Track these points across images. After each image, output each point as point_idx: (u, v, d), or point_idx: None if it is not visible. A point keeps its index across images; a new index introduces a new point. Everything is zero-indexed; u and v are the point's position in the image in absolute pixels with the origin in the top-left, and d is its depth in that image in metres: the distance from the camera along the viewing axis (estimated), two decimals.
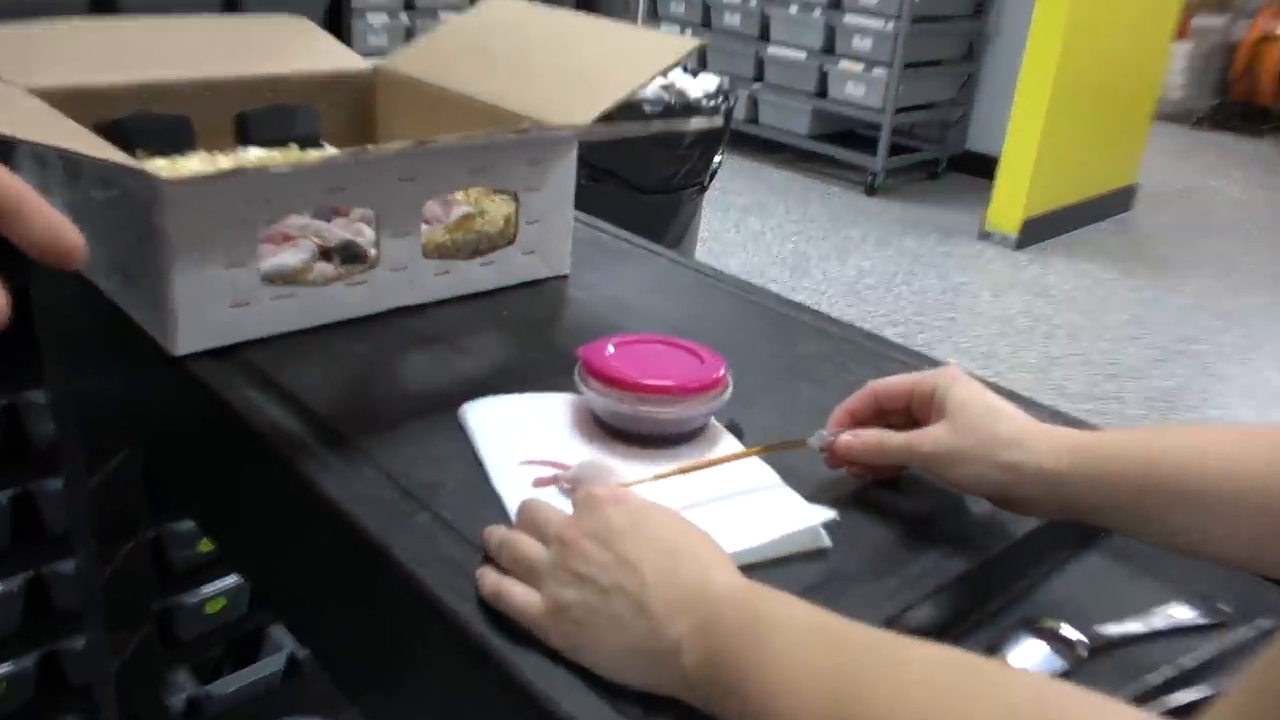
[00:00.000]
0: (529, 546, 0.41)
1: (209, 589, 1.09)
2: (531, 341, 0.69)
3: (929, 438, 0.46)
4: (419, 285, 0.70)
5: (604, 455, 0.51)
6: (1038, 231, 3.20)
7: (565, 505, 0.44)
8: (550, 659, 0.38)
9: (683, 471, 0.49)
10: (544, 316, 0.73)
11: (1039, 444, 0.43)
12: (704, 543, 0.39)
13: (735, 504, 0.48)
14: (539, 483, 0.49)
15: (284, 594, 0.59)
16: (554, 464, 0.50)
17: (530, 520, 0.42)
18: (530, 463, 0.50)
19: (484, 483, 0.50)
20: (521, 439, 0.52)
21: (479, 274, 0.74)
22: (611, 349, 0.55)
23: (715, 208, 3.24)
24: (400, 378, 0.62)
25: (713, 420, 0.55)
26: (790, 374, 0.65)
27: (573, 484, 0.48)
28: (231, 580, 1.11)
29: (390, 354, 0.65)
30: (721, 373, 0.54)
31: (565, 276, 0.79)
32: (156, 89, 0.70)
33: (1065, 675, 0.41)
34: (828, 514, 0.46)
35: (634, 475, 0.48)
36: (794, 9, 3.58)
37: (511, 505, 0.46)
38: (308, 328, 0.66)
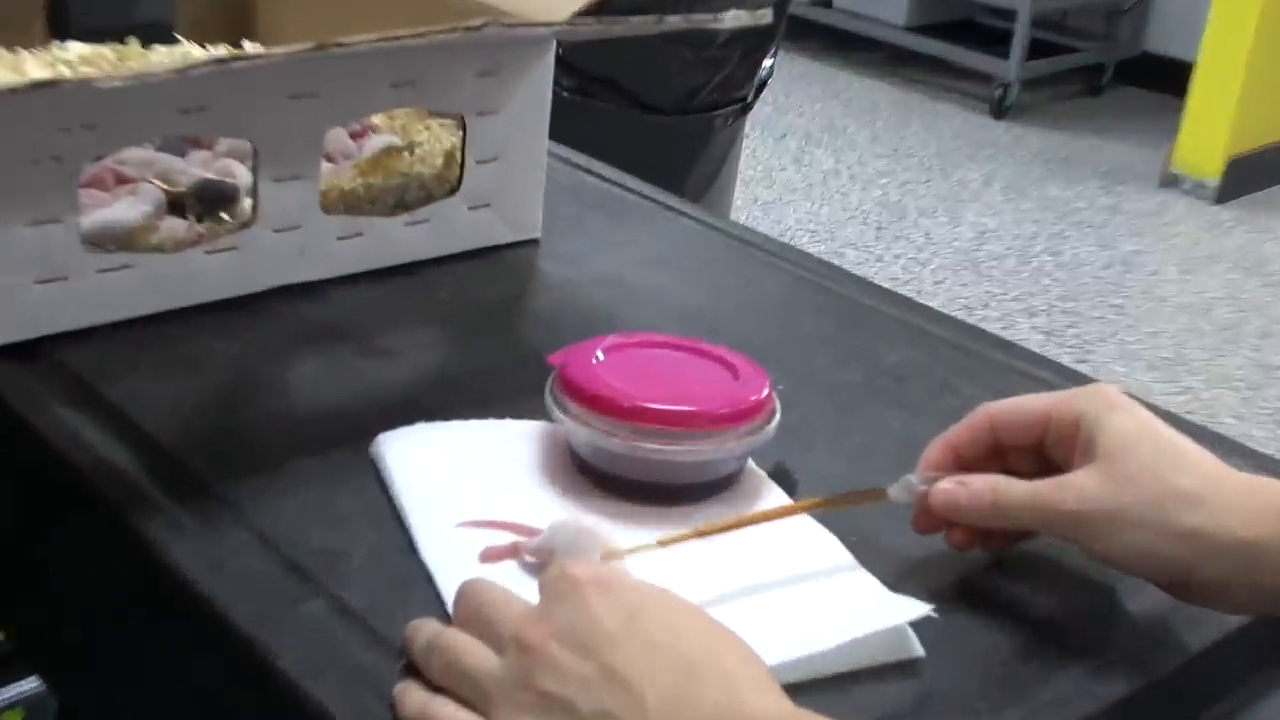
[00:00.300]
0: (472, 652, 0.41)
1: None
2: (483, 341, 0.70)
3: (1071, 490, 0.47)
4: (316, 254, 0.71)
5: (587, 514, 0.52)
6: (1248, 176, 3.18)
7: (529, 589, 0.44)
8: None
9: (702, 535, 0.49)
10: (501, 304, 0.74)
11: (1232, 502, 0.44)
12: (733, 649, 0.39)
13: (781, 590, 0.49)
14: (489, 555, 0.50)
15: (108, 710, 0.60)
16: (511, 526, 0.51)
17: (476, 612, 0.43)
18: (477, 524, 0.51)
19: (407, 553, 0.50)
20: (464, 489, 0.53)
21: (406, 238, 0.74)
22: (600, 355, 0.56)
23: (765, 135, 3.26)
24: (286, 394, 0.63)
25: (750, 463, 0.56)
26: (867, 394, 0.66)
27: (539, 556, 0.49)
28: (32, 685, 1.12)
29: (271, 358, 0.65)
30: (765, 392, 0.55)
31: (534, 242, 0.79)
32: None
33: None
34: (918, 608, 0.47)
35: (631, 543, 0.49)
36: None
37: (448, 588, 0.47)
38: (149, 315, 0.66)
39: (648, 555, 0.48)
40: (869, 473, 0.56)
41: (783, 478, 0.56)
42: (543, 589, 0.41)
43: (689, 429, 0.53)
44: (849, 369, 0.68)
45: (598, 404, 0.53)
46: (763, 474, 0.57)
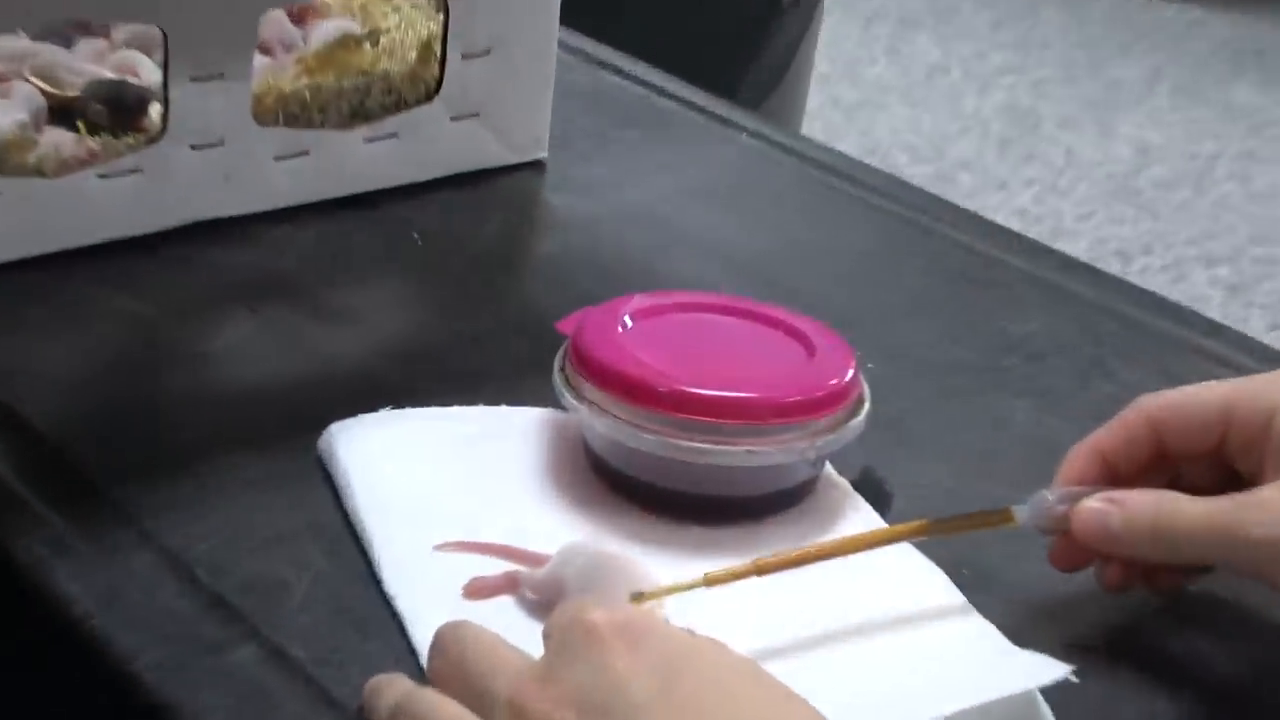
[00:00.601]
0: (452, 718, 0.41)
1: None
2: (470, 300, 0.70)
3: (1261, 511, 0.47)
4: (247, 180, 0.72)
5: (608, 536, 0.53)
6: None
7: (529, 636, 0.44)
8: None
9: (763, 572, 0.49)
10: (495, 249, 0.74)
11: None
12: None
13: (870, 644, 0.49)
14: (477, 589, 0.50)
15: None
16: (507, 551, 0.51)
17: (459, 666, 0.43)
18: (460, 547, 0.52)
19: (367, 584, 0.51)
20: (444, 499, 0.54)
21: (366, 159, 0.75)
22: (628, 321, 0.56)
23: (848, 17, 3.23)
24: (207, 369, 0.63)
25: (829, 470, 0.57)
26: (986, 378, 0.66)
27: (544, 593, 0.49)
28: None
29: (187, 320, 0.65)
30: (849, 374, 0.55)
31: (540, 165, 0.80)
32: None
33: None
34: (1053, 669, 0.46)
35: (668, 578, 0.49)
36: None
37: (421, 632, 0.47)
38: (24, 260, 0.66)
39: (690, 596, 0.48)
40: (989, 485, 0.55)
41: (872, 489, 0.57)
42: (549, 638, 0.41)
43: (747, 423, 0.53)
44: (962, 343, 0.68)
45: (623, 387, 0.53)
46: (845, 485, 0.57)
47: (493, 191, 0.78)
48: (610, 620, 0.40)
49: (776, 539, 0.53)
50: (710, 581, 0.48)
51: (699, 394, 0.53)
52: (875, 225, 0.79)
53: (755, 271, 0.72)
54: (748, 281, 0.66)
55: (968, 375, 0.66)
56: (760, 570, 0.49)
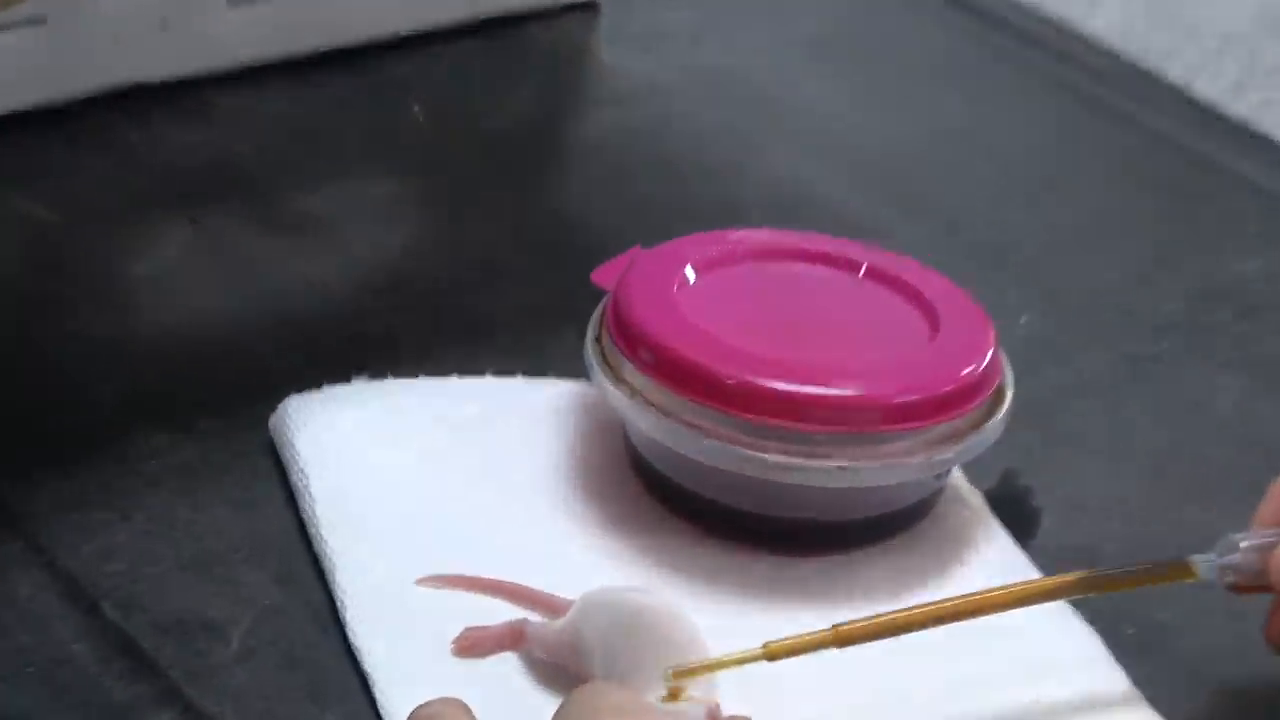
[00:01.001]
0: None
1: None
2: (484, 208, 0.69)
3: None
4: (191, 28, 0.71)
5: (650, 567, 0.53)
6: None
7: (533, 714, 0.44)
8: None
9: (845, 643, 0.48)
10: (524, 129, 0.74)
11: None
12: None
13: None
14: (470, 643, 0.50)
15: None
16: (513, 591, 0.52)
17: None
18: (449, 582, 0.52)
19: (325, 630, 0.51)
20: (431, 512, 0.55)
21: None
22: (690, 275, 0.56)
23: None
24: (127, 306, 0.63)
25: (956, 475, 0.57)
26: (1178, 339, 0.66)
27: (557, 654, 0.49)
28: None
29: (103, 231, 0.66)
30: (985, 358, 0.55)
31: (591, 6, 0.79)
32: None
33: None
34: None
35: (726, 631, 0.49)
36: None
37: (394, 706, 0.48)
38: None
39: (752, 668, 0.48)
40: (1175, 499, 0.56)
41: (1013, 503, 0.57)
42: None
43: (844, 430, 0.53)
44: (1153, 286, 0.68)
45: (678, 373, 0.53)
46: (976, 500, 0.57)
47: (523, 45, 0.77)
48: (638, 710, 0.41)
49: (876, 577, 0.54)
50: (772, 655, 0.48)
51: (780, 390, 0.53)
52: (1052, 107, 0.78)
53: (881, 172, 0.71)
54: (869, 187, 0.66)
55: (1157, 335, 0.66)
56: (842, 641, 0.48)
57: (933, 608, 0.50)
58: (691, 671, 0.47)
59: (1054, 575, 0.52)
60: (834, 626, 0.48)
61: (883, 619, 0.49)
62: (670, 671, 0.46)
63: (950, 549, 0.56)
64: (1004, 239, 0.63)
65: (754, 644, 0.47)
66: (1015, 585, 0.52)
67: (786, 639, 0.48)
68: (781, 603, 0.52)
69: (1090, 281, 0.67)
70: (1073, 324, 0.64)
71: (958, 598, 0.51)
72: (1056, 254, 0.68)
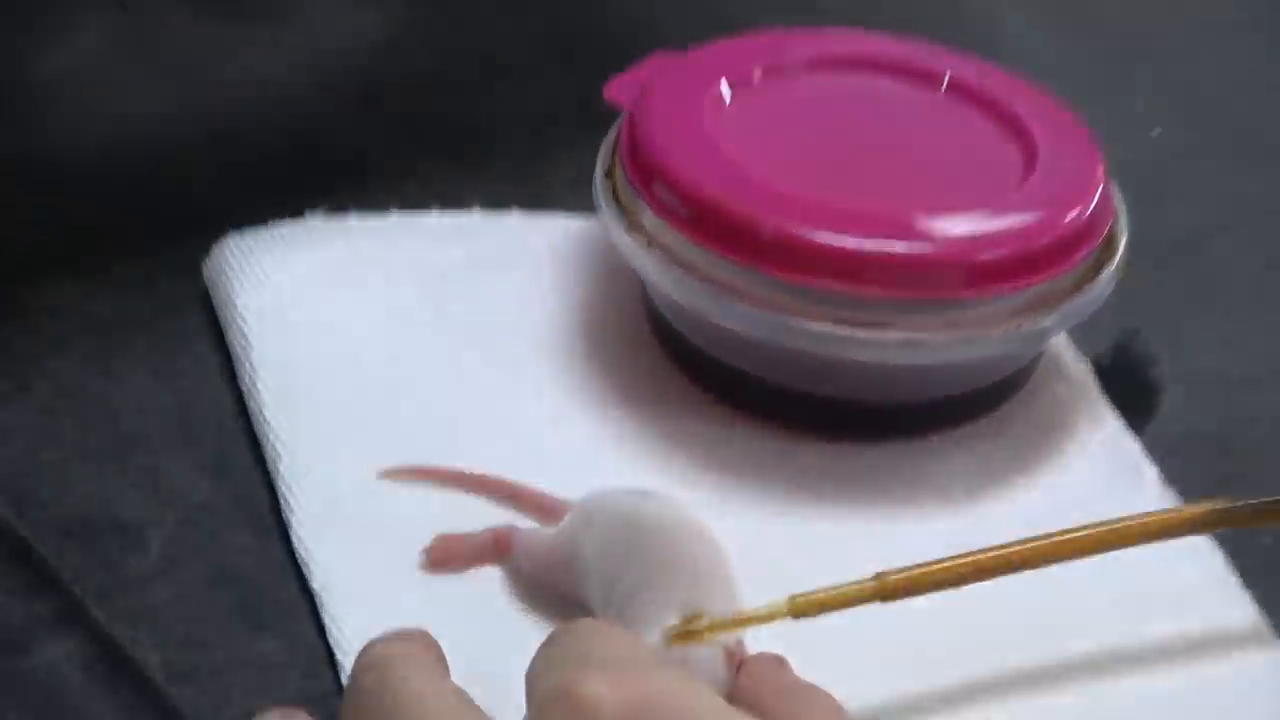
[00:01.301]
0: None
1: None
2: (477, 8, 0.65)
3: None
4: None
5: (673, 456, 0.52)
6: None
7: (520, 639, 0.41)
8: None
9: (889, 596, 0.45)
10: None
11: None
12: None
13: (1103, 685, 0.47)
14: (442, 555, 0.49)
15: None
16: (498, 486, 0.50)
17: (386, 715, 0.39)
18: (419, 474, 0.51)
19: (266, 532, 0.49)
20: (400, 384, 0.54)
21: None
22: (725, 92, 0.54)
23: None
24: (28, 113, 0.61)
25: (1057, 341, 0.55)
26: None
27: (546, 570, 0.48)
28: None
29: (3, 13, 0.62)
30: (1092, 202, 0.52)
31: None
32: None
33: None
34: None
35: (761, 547, 0.47)
36: None
37: (344, 634, 0.46)
38: None
39: (780, 613, 0.44)
40: None
41: (1128, 376, 0.55)
42: (530, 696, 0.38)
43: (910, 296, 0.50)
44: None
45: (707, 221, 0.50)
46: (1081, 371, 0.55)
47: None
48: (615, 703, 0.36)
49: (950, 470, 0.52)
50: (798, 611, 0.44)
51: (831, 244, 0.49)
52: None
53: None
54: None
55: None
56: (886, 594, 0.45)
57: (1002, 552, 0.46)
58: (692, 634, 0.44)
59: (1176, 496, 0.51)
60: (878, 575, 0.45)
61: (936, 568, 0.46)
62: (671, 629, 0.44)
63: (1043, 436, 0.53)
64: (1136, 30, 0.60)
65: (795, 561, 0.47)
66: (1123, 521, 0.47)
67: (817, 591, 0.45)
68: (830, 503, 0.51)
69: (1244, 88, 0.64)
70: (1219, 140, 0.61)
71: (1032, 541, 0.46)
72: (1200, 42, 0.65)
